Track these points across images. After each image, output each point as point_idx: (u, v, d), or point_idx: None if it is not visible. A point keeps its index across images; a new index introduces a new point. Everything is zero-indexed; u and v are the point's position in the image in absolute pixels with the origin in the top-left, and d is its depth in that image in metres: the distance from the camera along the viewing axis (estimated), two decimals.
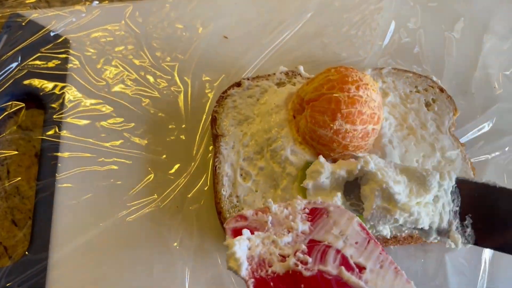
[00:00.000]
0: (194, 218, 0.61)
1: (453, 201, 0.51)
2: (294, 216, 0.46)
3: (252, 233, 0.44)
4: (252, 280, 0.41)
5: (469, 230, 0.50)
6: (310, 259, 0.42)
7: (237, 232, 0.44)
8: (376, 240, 0.45)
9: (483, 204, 0.51)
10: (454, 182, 0.51)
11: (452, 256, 0.60)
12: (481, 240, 0.50)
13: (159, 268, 0.58)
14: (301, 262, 0.42)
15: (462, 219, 0.51)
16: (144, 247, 0.60)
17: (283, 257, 0.43)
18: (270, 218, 0.46)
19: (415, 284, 0.58)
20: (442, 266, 0.59)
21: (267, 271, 0.42)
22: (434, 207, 0.51)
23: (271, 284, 0.41)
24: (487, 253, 0.60)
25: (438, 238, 0.52)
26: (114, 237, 0.60)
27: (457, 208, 0.51)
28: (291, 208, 0.47)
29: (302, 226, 0.45)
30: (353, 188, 0.54)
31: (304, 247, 0.43)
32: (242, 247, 0.42)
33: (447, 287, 0.58)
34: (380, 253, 0.44)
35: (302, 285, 0.41)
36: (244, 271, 0.42)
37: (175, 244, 0.60)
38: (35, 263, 0.58)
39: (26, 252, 0.59)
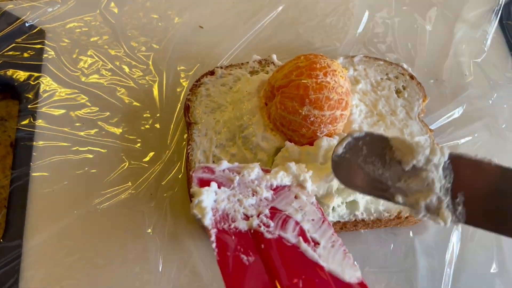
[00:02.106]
0: (167, 205, 0.62)
1: (445, 177, 0.48)
2: (260, 181, 0.48)
3: (218, 187, 0.47)
4: (215, 230, 0.43)
5: (460, 208, 0.47)
6: (272, 223, 0.45)
7: (203, 183, 0.47)
8: (329, 222, 0.47)
9: (477, 182, 0.47)
10: (446, 158, 0.48)
11: (421, 239, 0.61)
12: (472, 219, 0.47)
13: (133, 254, 0.59)
14: (264, 224, 0.45)
15: (454, 197, 0.47)
16: (118, 234, 0.60)
17: (247, 217, 0.46)
18: (237, 178, 0.49)
19: (385, 266, 0.60)
20: (411, 249, 0.61)
21: (230, 225, 0.45)
22: (420, 181, 0.48)
23: (233, 237, 0.43)
24: (456, 236, 0.61)
25: (428, 215, 0.48)
26: (88, 224, 0.61)
27: (449, 185, 0.47)
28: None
29: (266, 193, 0.48)
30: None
31: (267, 211, 0.46)
32: (209, 197, 0.45)
33: (416, 269, 0.59)
34: (332, 234, 0.46)
35: (263, 245, 0.43)
36: (208, 220, 0.44)
37: (149, 230, 0.60)
38: (9, 250, 0.59)
39: (1, 240, 0.59)
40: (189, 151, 0.61)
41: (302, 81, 0.55)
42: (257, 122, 0.60)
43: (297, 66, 0.57)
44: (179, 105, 0.69)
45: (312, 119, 0.55)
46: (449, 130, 0.69)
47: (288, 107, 0.56)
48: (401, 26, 0.77)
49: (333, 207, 0.57)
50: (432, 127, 0.68)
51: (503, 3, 0.79)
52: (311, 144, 0.57)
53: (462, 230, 0.62)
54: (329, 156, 0.56)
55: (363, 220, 0.58)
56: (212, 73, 0.67)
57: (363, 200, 0.58)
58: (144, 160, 0.65)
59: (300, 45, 0.75)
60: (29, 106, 0.68)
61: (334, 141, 0.57)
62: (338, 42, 0.75)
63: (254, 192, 0.48)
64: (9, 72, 0.70)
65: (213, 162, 0.60)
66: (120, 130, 0.67)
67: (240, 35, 0.75)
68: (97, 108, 0.68)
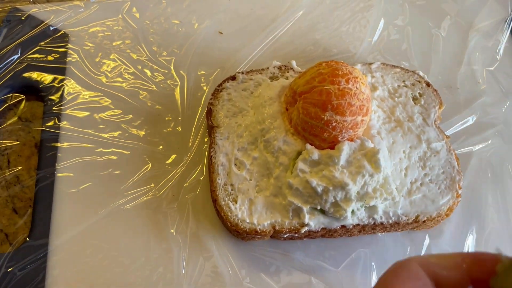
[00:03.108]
0: (190, 206, 0.63)
1: None
2: None
3: None
4: None
5: None
6: None
7: None
8: None
9: None
10: None
11: (436, 242, 0.63)
12: None
13: (156, 254, 0.61)
14: None
15: None
16: (142, 234, 0.62)
17: None
18: None
19: None
20: (427, 252, 0.62)
21: None
22: None
23: None
24: (470, 240, 0.63)
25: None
26: (112, 224, 0.62)
27: None
28: None
29: None
30: None
31: None
32: None
33: None
34: None
35: None
36: None
37: (172, 231, 0.62)
38: (35, 249, 0.60)
39: (27, 238, 0.61)
40: (211, 154, 0.63)
41: (325, 87, 0.56)
42: (279, 127, 0.61)
43: (320, 72, 0.58)
44: (200, 108, 0.71)
45: (334, 124, 0.57)
46: (463, 137, 0.70)
47: (311, 112, 0.57)
48: (415, 34, 0.79)
49: (353, 210, 0.59)
50: (447, 133, 0.69)
51: None
52: (332, 148, 0.59)
53: (477, 235, 0.63)
54: (350, 160, 0.58)
55: (381, 223, 0.60)
56: (233, 78, 0.69)
57: (382, 204, 0.59)
58: (166, 162, 0.67)
59: (317, 52, 0.77)
60: (53, 108, 0.69)
61: (355, 145, 0.58)
62: (355, 49, 0.77)
63: None
64: (34, 74, 0.72)
65: (235, 165, 0.62)
66: (143, 133, 0.69)
67: (258, 41, 0.77)
68: (120, 111, 0.70)
